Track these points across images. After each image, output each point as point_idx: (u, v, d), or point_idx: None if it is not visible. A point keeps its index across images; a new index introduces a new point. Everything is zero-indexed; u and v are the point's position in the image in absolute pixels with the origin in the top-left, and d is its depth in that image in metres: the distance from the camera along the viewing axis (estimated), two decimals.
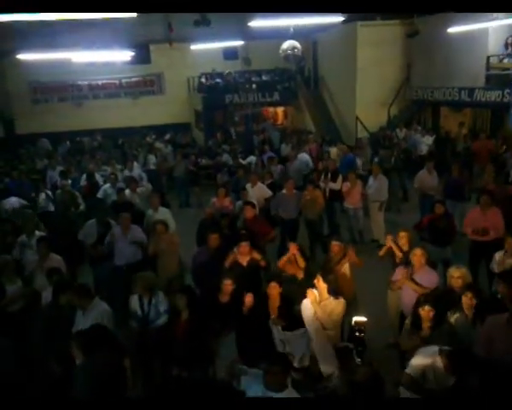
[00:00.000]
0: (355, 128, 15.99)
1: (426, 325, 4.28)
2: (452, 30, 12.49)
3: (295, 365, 4.55)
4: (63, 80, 19.95)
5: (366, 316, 4.45)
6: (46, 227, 7.89)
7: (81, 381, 3.85)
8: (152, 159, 13.72)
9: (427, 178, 9.31)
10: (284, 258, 5.73)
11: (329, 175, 9.42)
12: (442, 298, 4.59)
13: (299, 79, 19.20)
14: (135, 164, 12.10)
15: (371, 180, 9.30)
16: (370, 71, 15.23)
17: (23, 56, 13.55)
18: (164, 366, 4.92)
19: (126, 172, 11.30)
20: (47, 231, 7.63)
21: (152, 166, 13.29)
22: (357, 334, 4.31)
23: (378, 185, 9.13)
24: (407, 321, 4.59)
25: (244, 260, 5.75)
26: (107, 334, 4.24)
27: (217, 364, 4.73)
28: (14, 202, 9.08)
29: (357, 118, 15.83)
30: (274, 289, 4.89)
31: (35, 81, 19.75)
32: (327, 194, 9.26)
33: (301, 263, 5.62)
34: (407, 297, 5.05)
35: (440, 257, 6.50)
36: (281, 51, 11.67)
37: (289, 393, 3.50)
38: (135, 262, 6.63)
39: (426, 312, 4.28)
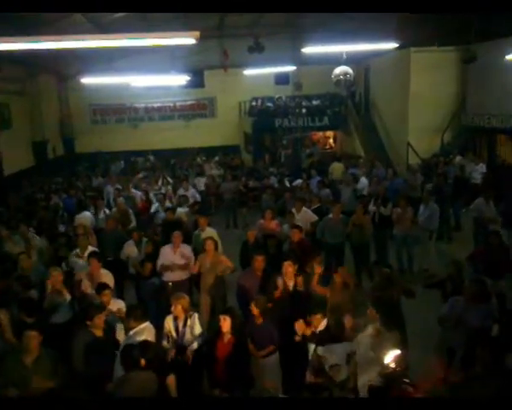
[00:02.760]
0: (406, 154, 15.68)
1: (480, 365, 3.99)
2: (511, 56, 12.09)
3: (340, 378, 4.40)
4: (121, 103, 20.92)
5: (414, 348, 4.29)
6: (98, 243, 8.20)
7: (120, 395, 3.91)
8: (201, 180, 14.03)
9: (483, 208, 8.95)
10: (315, 277, 5.78)
11: (379, 200, 9.24)
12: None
13: (350, 104, 19.15)
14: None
15: (422, 208, 9.04)
16: (424, 97, 14.94)
17: (84, 80, 14.31)
18: (204, 386, 4.92)
19: (181, 191, 11.64)
20: (99, 246, 7.93)
21: (201, 187, 13.58)
22: (398, 369, 4.14)
23: (429, 213, 8.86)
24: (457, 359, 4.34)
25: (290, 282, 5.70)
26: (152, 351, 4.30)
27: (258, 386, 4.68)
28: (87, 216, 9.58)
29: (408, 144, 15.52)
30: (317, 321, 4.82)
31: (95, 103, 20.82)
32: (376, 219, 9.08)
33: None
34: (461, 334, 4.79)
35: (494, 290, 6.19)
36: (333, 76, 11.71)
37: None
38: (182, 280, 6.75)
39: (483, 352, 4.00)
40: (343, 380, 4.33)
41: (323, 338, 4.56)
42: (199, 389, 5.07)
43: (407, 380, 4.00)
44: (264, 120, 18.53)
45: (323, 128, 19.88)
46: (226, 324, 4.68)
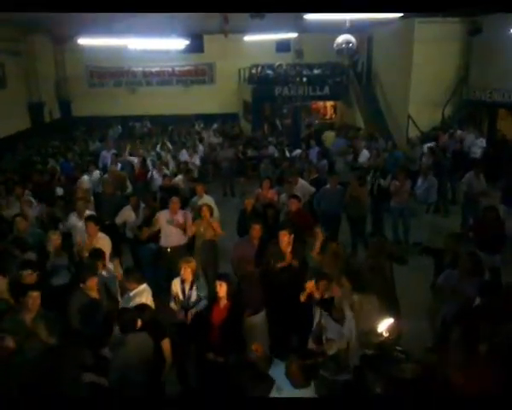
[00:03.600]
0: (406, 127, 15.58)
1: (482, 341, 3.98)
2: None
3: (331, 352, 4.47)
4: (119, 66, 20.55)
5: (405, 318, 4.34)
6: (96, 207, 8.21)
7: (116, 357, 3.98)
8: (200, 148, 13.96)
9: (474, 182, 8.95)
10: (317, 245, 5.73)
11: (378, 172, 9.22)
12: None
13: (352, 74, 18.87)
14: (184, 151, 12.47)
15: (420, 181, 9.04)
16: (426, 69, 14.72)
17: (82, 41, 14.01)
18: (200, 350, 5.00)
19: (184, 156, 11.62)
20: (96, 210, 7.94)
21: (200, 155, 13.53)
22: (390, 337, 4.21)
23: (427, 186, 8.88)
24: (454, 334, 4.36)
25: (287, 250, 5.72)
26: (149, 314, 4.36)
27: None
28: (86, 180, 9.68)
29: (409, 116, 15.41)
30: (323, 286, 4.86)
31: (92, 65, 20.44)
32: (374, 191, 9.09)
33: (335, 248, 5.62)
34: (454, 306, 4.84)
35: (488, 264, 6.24)
36: (335, 45, 11.49)
37: (309, 392, 3.40)
38: (180, 245, 6.79)
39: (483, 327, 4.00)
40: (332, 356, 4.41)
41: (328, 305, 4.61)
42: (195, 352, 5.18)
43: (399, 348, 4.07)
44: (264, 87, 18.27)
45: (324, 98, 19.65)
46: (222, 289, 4.72)
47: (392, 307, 4.97)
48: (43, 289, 4.60)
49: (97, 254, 5.48)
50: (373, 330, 4.17)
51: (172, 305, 5.24)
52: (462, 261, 5.07)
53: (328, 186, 8.53)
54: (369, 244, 5.89)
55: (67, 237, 6.67)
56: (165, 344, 4.40)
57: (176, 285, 5.25)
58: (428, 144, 11.96)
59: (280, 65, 19.25)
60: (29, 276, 4.94)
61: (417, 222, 9.13)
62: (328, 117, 21.32)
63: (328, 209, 8.32)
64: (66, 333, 4.47)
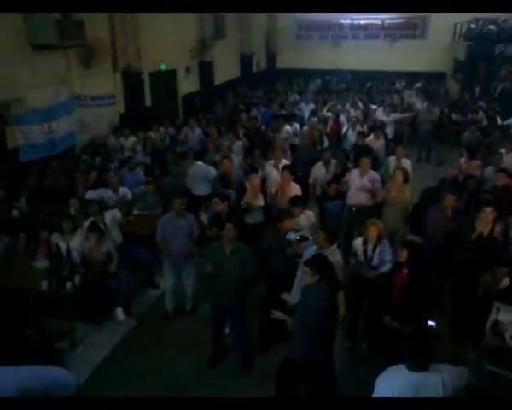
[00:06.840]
0: None
1: None
2: None
3: None
4: (326, 19, 20.48)
5: None
6: (292, 158, 8.64)
7: (298, 304, 4.25)
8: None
9: None
10: None
11: None
12: None
13: None
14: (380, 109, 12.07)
15: None
16: None
17: None
18: (374, 311, 5.00)
19: (380, 115, 11.53)
20: (292, 161, 8.36)
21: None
22: None
23: None
24: None
25: (485, 229, 5.20)
26: (328, 266, 4.50)
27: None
28: (288, 130, 10.35)
29: None
30: (502, 273, 4.40)
31: (301, 18, 20.81)
32: None
33: None
34: None
35: None
36: None
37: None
38: (364, 206, 6.76)
39: None
40: None
41: (505, 297, 4.15)
42: (368, 312, 5.22)
43: None
44: (483, 45, 16.22)
45: None
46: (403, 255, 4.59)
47: None
48: (239, 225, 5.13)
49: (296, 201, 5.81)
50: None
51: (352, 262, 5.23)
52: None
53: None
54: None
55: (264, 181, 7.23)
56: (340, 296, 4.52)
57: (358, 245, 5.22)
58: None
59: (506, 19, 16.81)
60: (218, 204, 5.56)
61: None
62: None
63: None
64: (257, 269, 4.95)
